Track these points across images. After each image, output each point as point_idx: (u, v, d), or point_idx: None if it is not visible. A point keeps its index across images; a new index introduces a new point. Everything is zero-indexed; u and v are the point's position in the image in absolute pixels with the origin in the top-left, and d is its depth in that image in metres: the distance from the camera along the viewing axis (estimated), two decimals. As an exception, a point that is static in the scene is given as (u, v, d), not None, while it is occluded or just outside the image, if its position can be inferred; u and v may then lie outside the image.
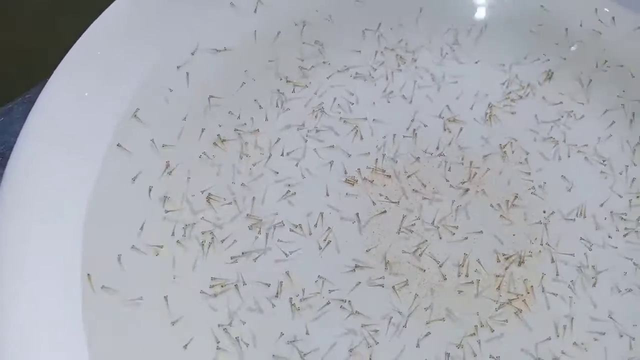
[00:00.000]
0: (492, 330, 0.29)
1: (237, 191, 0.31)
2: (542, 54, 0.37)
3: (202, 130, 0.32)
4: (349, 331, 0.28)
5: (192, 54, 0.33)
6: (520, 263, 0.30)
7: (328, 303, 0.29)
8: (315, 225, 0.31)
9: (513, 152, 0.34)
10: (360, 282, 0.29)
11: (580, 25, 0.37)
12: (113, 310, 0.26)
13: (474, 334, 0.28)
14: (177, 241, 0.29)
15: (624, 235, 0.31)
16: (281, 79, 0.35)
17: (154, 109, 0.31)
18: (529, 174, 0.33)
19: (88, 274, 0.26)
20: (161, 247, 0.29)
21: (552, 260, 0.30)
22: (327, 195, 0.32)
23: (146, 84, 0.31)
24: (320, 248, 0.30)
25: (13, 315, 0.24)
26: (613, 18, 0.37)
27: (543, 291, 0.30)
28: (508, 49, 0.37)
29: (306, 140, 0.33)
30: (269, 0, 0.36)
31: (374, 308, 0.29)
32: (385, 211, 0.31)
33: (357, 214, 0.31)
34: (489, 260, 0.30)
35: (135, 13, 0.32)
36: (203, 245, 0.29)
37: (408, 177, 0.33)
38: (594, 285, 0.30)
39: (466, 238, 0.31)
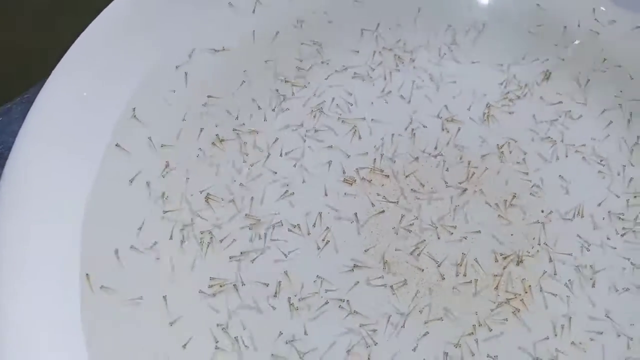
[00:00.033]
0: (490, 330, 0.29)
1: (235, 191, 0.31)
2: (540, 54, 0.37)
3: (201, 130, 0.32)
4: (348, 331, 0.28)
5: (191, 54, 0.33)
6: (518, 263, 0.30)
7: (326, 303, 0.29)
8: (314, 225, 0.31)
9: (511, 152, 0.34)
10: (358, 282, 0.29)
11: (578, 26, 0.37)
12: (112, 310, 0.26)
13: (472, 333, 0.28)
14: (176, 241, 0.29)
15: (622, 235, 0.32)
16: (280, 79, 0.35)
17: (153, 109, 0.31)
18: (527, 173, 0.33)
19: (87, 274, 0.26)
20: (160, 247, 0.29)
21: (550, 260, 0.31)
22: (326, 195, 0.32)
23: (145, 84, 0.31)
24: (318, 248, 0.30)
25: (12, 315, 0.24)
26: (611, 18, 0.37)
27: (541, 291, 0.30)
28: (506, 49, 0.37)
29: (305, 140, 0.33)
30: (267, 1, 0.36)
31: (372, 308, 0.29)
32: (383, 211, 0.31)
33: (356, 214, 0.31)
34: (487, 260, 0.30)
35: (133, 13, 0.32)
36: (202, 245, 0.30)
37: (406, 177, 0.33)
38: (591, 284, 0.30)
39: (464, 238, 0.31)
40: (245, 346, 0.28)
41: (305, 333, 0.28)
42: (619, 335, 0.29)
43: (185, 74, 0.33)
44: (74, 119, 0.29)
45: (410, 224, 0.31)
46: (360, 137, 0.34)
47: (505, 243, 0.31)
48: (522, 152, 0.34)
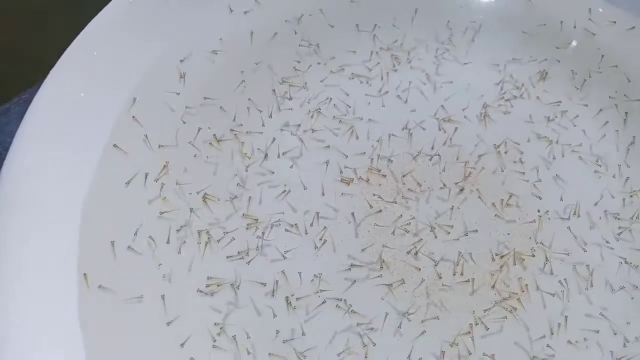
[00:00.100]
0: (487, 329, 0.29)
1: (233, 191, 0.31)
2: (537, 54, 0.37)
3: (198, 130, 0.32)
4: (345, 330, 0.28)
5: (189, 54, 0.33)
6: (515, 262, 0.31)
7: (324, 302, 0.29)
8: (311, 225, 0.31)
9: (507, 151, 0.34)
10: (355, 281, 0.29)
11: (574, 27, 0.38)
12: (110, 309, 0.26)
13: (469, 332, 0.28)
14: (174, 241, 0.29)
15: (618, 234, 0.32)
16: (277, 80, 0.35)
17: (150, 109, 0.31)
18: (524, 173, 0.33)
19: (84, 274, 0.26)
20: (157, 246, 0.29)
21: (547, 259, 0.31)
22: (323, 194, 0.32)
23: (142, 84, 0.31)
24: (316, 247, 0.30)
25: (10, 315, 0.24)
26: (607, 19, 0.38)
27: (537, 289, 0.30)
28: (503, 49, 0.38)
29: (302, 141, 0.33)
30: (265, 1, 0.36)
31: (369, 307, 0.29)
32: (380, 210, 0.32)
33: (353, 214, 0.31)
34: (484, 259, 0.31)
35: (131, 13, 0.32)
36: (199, 244, 0.30)
37: (403, 176, 0.33)
38: (588, 283, 0.30)
39: (461, 237, 0.31)
40: (243, 345, 0.28)
41: (303, 332, 0.28)
42: (616, 334, 0.29)
43: (183, 74, 0.33)
44: (71, 120, 0.29)
45: (407, 224, 0.31)
46: (357, 137, 0.34)
47: (501, 242, 0.31)
48: (519, 152, 0.34)
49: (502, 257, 0.31)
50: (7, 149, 0.27)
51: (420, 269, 0.30)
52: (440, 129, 0.35)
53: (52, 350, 0.24)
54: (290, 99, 0.35)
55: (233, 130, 0.33)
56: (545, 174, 0.33)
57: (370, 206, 0.32)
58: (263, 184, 0.32)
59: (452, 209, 0.32)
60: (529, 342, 0.29)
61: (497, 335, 0.29)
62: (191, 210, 0.30)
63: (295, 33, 0.36)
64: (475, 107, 0.35)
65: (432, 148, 0.34)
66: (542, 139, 0.35)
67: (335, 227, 0.31)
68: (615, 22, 0.37)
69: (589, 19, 0.38)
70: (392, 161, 0.33)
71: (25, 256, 0.25)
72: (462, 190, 0.32)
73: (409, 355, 0.28)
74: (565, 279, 0.30)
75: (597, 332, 0.29)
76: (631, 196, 0.33)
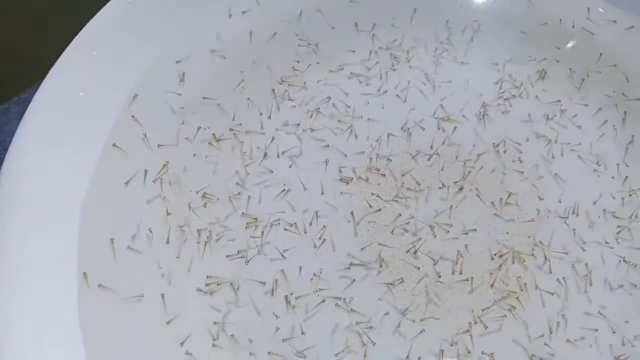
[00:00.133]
0: (486, 327, 0.29)
1: (232, 190, 0.31)
2: (536, 53, 0.38)
3: (198, 129, 0.32)
4: (344, 329, 0.28)
5: (188, 54, 0.33)
6: (514, 261, 0.31)
7: (323, 301, 0.29)
8: (311, 224, 0.31)
9: (506, 150, 0.34)
10: (355, 280, 0.29)
11: (573, 26, 0.38)
12: (109, 308, 0.26)
13: (468, 330, 0.29)
14: (173, 240, 0.29)
15: (617, 233, 0.32)
16: (276, 79, 0.35)
17: (150, 109, 0.31)
18: (522, 172, 0.33)
19: (84, 273, 0.26)
20: (157, 245, 0.29)
21: (546, 258, 0.31)
22: (322, 194, 0.32)
23: (142, 84, 0.31)
24: (315, 246, 0.30)
25: (10, 315, 0.24)
26: (606, 18, 0.38)
27: (536, 288, 0.30)
28: (501, 48, 0.38)
29: (301, 140, 0.33)
30: (264, 1, 0.36)
31: (368, 306, 0.29)
32: (380, 209, 0.32)
33: (352, 213, 0.31)
34: (483, 258, 0.31)
35: (131, 13, 0.32)
36: (199, 244, 0.30)
37: (402, 175, 0.33)
38: (587, 282, 0.30)
39: (460, 236, 0.31)
40: (242, 344, 0.28)
41: (302, 331, 0.28)
42: (614, 332, 0.29)
43: (183, 74, 0.33)
44: (70, 119, 0.29)
45: (407, 223, 0.31)
46: (356, 137, 0.34)
47: (500, 241, 0.31)
48: (518, 151, 0.34)
49: (501, 256, 0.31)
50: (6, 149, 0.27)
51: (419, 268, 0.30)
52: (439, 128, 0.35)
53: (52, 349, 0.24)
54: (290, 98, 0.35)
55: (232, 130, 0.33)
56: (544, 173, 0.33)
57: (370, 205, 0.32)
58: (262, 183, 0.32)
59: (451, 208, 0.32)
60: (528, 340, 0.29)
61: (496, 334, 0.29)
62: (190, 209, 0.30)
63: (295, 33, 0.36)
64: (474, 106, 0.36)
65: (431, 147, 0.34)
66: (541, 138, 0.35)
67: (334, 226, 0.31)
68: (613, 21, 0.37)
69: (588, 19, 0.38)
70: (391, 160, 0.33)
71: (25, 256, 0.25)
72: (461, 189, 0.33)
73: (408, 354, 0.28)
74: (564, 278, 0.30)
75: (596, 330, 0.29)
76: (630, 195, 0.33)
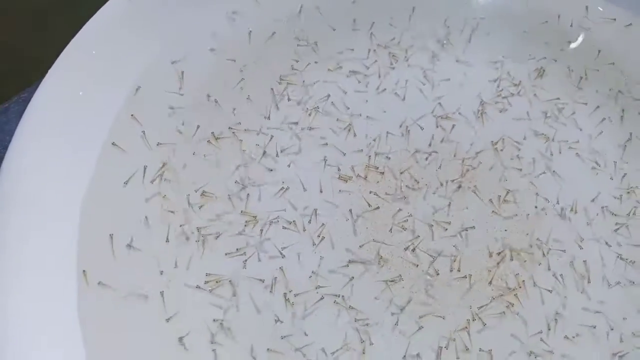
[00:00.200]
0: (484, 324, 0.29)
1: (231, 188, 0.32)
2: (534, 51, 0.38)
3: (197, 128, 0.32)
4: (343, 326, 0.28)
5: (187, 53, 0.34)
6: (512, 258, 0.31)
7: (322, 298, 0.29)
8: (309, 222, 0.31)
9: (505, 148, 0.34)
10: (353, 277, 0.30)
11: (571, 25, 0.38)
12: (109, 306, 0.27)
13: (466, 327, 0.29)
14: (173, 238, 0.29)
15: (615, 230, 0.32)
16: (275, 78, 0.35)
17: (149, 107, 0.32)
18: (521, 170, 0.34)
19: (84, 270, 0.26)
20: (156, 243, 0.29)
21: (544, 255, 0.31)
22: (321, 192, 0.32)
23: (141, 82, 0.32)
24: (314, 244, 0.30)
25: (10, 313, 0.24)
26: (604, 16, 0.38)
27: (534, 285, 0.30)
28: (500, 47, 0.38)
29: (300, 138, 0.34)
30: (263, 0, 0.36)
31: (367, 303, 0.29)
32: (378, 207, 0.32)
33: (351, 210, 0.31)
34: (481, 255, 0.31)
35: (130, 12, 0.32)
36: (198, 241, 0.30)
37: (401, 173, 0.33)
38: (584, 279, 0.30)
39: (459, 233, 0.31)
40: (242, 341, 0.28)
41: (301, 328, 0.28)
42: (612, 329, 0.29)
43: (182, 72, 0.33)
44: (70, 118, 0.29)
45: (405, 220, 0.31)
46: (355, 135, 0.34)
47: (499, 239, 0.31)
48: (516, 149, 0.34)
49: (499, 253, 0.31)
50: (6, 148, 0.27)
51: (417, 265, 0.30)
52: (437, 126, 0.35)
53: (52, 347, 0.25)
54: (289, 97, 0.35)
55: (231, 128, 0.33)
56: (542, 170, 0.34)
57: (368, 203, 0.32)
58: (261, 181, 0.32)
59: (449, 205, 0.32)
60: (526, 337, 0.29)
61: (494, 331, 0.29)
62: (190, 207, 0.30)
63: (294, 32, 0.36)
64: (473, 104, 0.36)
65: (430, 145, 0.34)
66: (539, 136, 0.35)
67: (333, 224, 0.31)
68: (612, 19, 0.38)
69: (586, 17, 0.38)
70: (389, 158, 0.33)
71: (25, 254, 0.26)
72: (459, 187, 0.33)
73: (407, 351, 0.28)
74: (561, 275, 0.30)
75: (594, 327, 0.29)
76: (628, 192, 0.33)
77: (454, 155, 0.34)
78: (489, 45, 0.38)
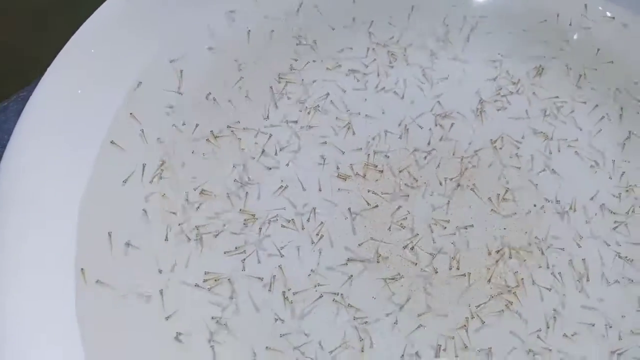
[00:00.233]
0: (483, 322, 0.29)
1: (230, 187, 0.32)
2: (533, 50, 0.38)
3: (196, 126, 0.32)
4: (342, 324, 0.28)
5: (186, 51, 0.34)
6: (511, 256, 0.31)
7: (321, 296, 0.29)
8: (308, 220, 0.31)
9: (504, 147, 0.34)
10: (352, 276, 0.30)
11: (570, 24, 0.38)
12: (107, 304, 0.27)
13: (465, 325, 0.29)
14: (171, 236, 0.29)
15: (614, 229, 0.32)
16: (274, 77, 0.35)
17: (148, 106, 0.32)
18: (520, 168, 0.34)
19: (82, 269, 0.26)
20: (155, 242, 0.29)
21: (543, 253, 0.31)
22: (320, 190, 0.32)
23: (140, 81, 0.32)
24: (313, 242, 0.30)
25: (8, 311, 0.24)
26: (603, 15, 0.38)
27: (533, 284, 0.30)
28: (499, 45, 0.38)
29: (299, 137, 0.34)
30: (262, -1, 0.36)
31: (366, 301, 0.29)
32: (377, 206, 0.32)
33: (350, 209, 0.31)
34: (480, 254, 0.31)
35: (129, 11, 0.32)
36: (197, 240, 0.30)
37: (400, 172, 0.33)
38: (583, 277, 0.30)
39: (457, 232, 0.31)
40: (241, 339, 0.28)
41: (300, 326, 0.28)
42: (611, 327, 0.29)
43: (181, 71, 0.33)
44: (69, 117, 0.29)
45: (404, 219, 0.31)
46: (354, 133, 0.34)
47: (498, 237, 0.31)
48: (515, 147, 0.34)
49: (498, 251, 0.31)
50: (4, 147, 0.27)
51: (416, 264, 0.30)
52: (436, 125, 0.35)
53: (50, 346, 0.25)
54: (288, 96, 0.35)
55: (230, 127, 0.33)
56: (541, 169, 0.34)
57: (367, 202, 0.32)
58: (260, 179, 0.32)
59: (448, 203, 0.32)
60: (525, 335, 0.29)
61: (493, 329, 0.29)
62: (189, 205, 0.30)
63: (293, 31, 0.36)
64: (472, 102, 0.36)
65: (429, 144, 0.34)
66: (538, 134, 0.35)
67: (332, 222, 0.31)
68: (610, 18, 0.38)
69: (585, 16, 0.38)
70: (388, 157, 0.33)
71: (23, 253, 0.26)
72: (458, 185, 0.33)
73: (405, 349, 0.28)
74: (560, 273, 0.30)
75: (593, 325, 0.29)
76: (627, 191, 0.33)
77: (453, 154, 0.34)
78: (488, 44, 0.38)
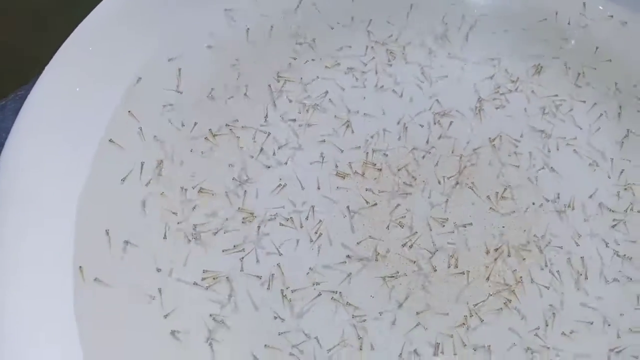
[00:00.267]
0: (482, 320, 0.29)
1: (229, 185, 0.32)
2: (531, 49, 0.38)
3: (194, 124, 0.32)
4: (340, 322, 0.28)
5: (185, 50, 0.34)
6: (510, 254, 0.31)
7: (319, 294, 0.29)
8: (307, 218, 0.31)
9: (502, 145, 0.34)
10: (351, 274, 0.30)
11: (569, 23, 0.38)
12: (105, 302, 0.27)
13: (464, 324, 0.29)
14: (170, 234, 0.29)
15: (612, 227, 0.32)
16: (273, 75, 0.35)
17: (146, 104, 0.32)
18: (518, 166, 0.34)
19: (80, 267, 0.26)
20: (153, 240, 0.29)
21: (541, 252, 0.31)
22: (319, 188, 0.32)
23: (138, 79, 0.32)
24: (311, 240, 0.30)
25: (7, 309, 0.24)
26: (602, 13, 0.38)
27: (532, 282, 0.30)
28: (497, 44, 0.38)
29: (297, 135, 0.34)
30: (261, -2, 0.36)
31: (364, 299, 0.29)
32: (376, 204, 0.32)
33: (348, 207, 0.31)
34: (479, 252, 0.31)
35: (127, 9, 0.32)
36: (195, 238, 0.30)
37: (398, 170, 0.33)
38: (581, 275, 0.30)
39: (456, 230, 0.31)
40: (239, 338, 0.28)
41: (298, 325, 0.28)
42: (609, 325, 0.29)
43: (179, 69, 0.33)
44: (67, 115, 0.29)
45: (403, 217, 0.31)
46: (352, 131, 0.34)
47: (496, 235, 0.31)
48: (514, 146, 0.34)
49: (496, 249, 0.31)
50: (2, 145, 0.27)
51: (415, 262, 0.30)
52: (435, 123, 0.35)
53: (48, 344, 0.25)
54: (286, 94, 0.35)
55: (229, 125, 0.33)
56: (540, 167, 0.34)
57: (366, 200, 0.32)
58: (259, 178, 0.32)
59: (447, 202, 0.32)
60: (524, 333, 0.29)
61: (491, 327, 0.29)
62: (187, 204, 0.30)
63: (291, 30, 0.36)
64: (470, 101, 0.36)
65: (427, 142, 0.34)
66: (537, 133, 0.35)
67: (330, 220, 0.31)
68: (609, 16, 0.38)
69: (584, 14, 0.38)
70: (387, 155, 0.33)
71: (22, 251, 0.26)
72: (457, 183, 0.33)
73: (404, 347, 0.28)
74: (559, 272, 0.30)
75: (591, 323, 0.29)
76: (625, 189, 0.33)
77: (452, 152, 0.34)
78: (486, 43, 0.38)
